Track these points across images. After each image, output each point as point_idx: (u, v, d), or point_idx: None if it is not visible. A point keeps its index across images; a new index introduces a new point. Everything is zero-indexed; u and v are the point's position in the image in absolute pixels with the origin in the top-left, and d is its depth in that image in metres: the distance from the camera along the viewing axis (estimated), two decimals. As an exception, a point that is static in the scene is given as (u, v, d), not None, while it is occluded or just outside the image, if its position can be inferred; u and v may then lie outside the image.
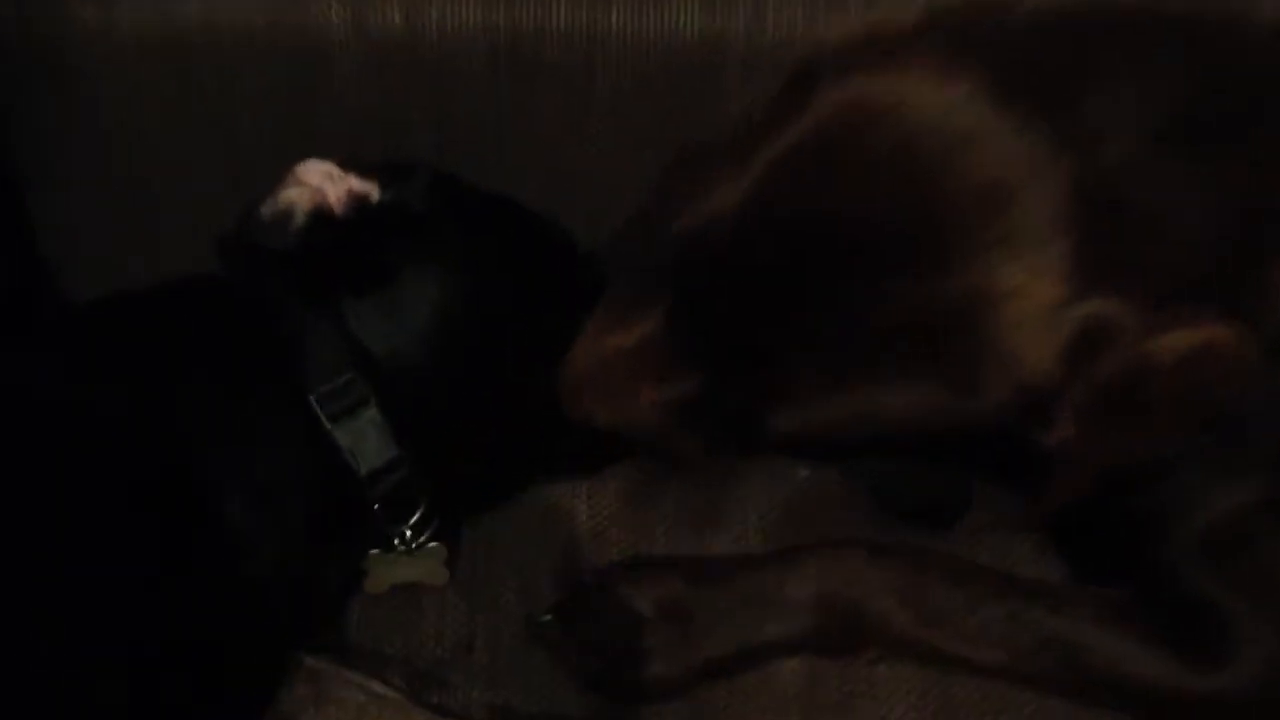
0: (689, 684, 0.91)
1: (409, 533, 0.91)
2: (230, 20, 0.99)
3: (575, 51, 0.99)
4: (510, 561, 0.97)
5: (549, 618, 0.92)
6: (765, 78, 0.94)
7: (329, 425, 0.86)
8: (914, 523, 0.96)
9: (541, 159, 1.03)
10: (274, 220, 0.91)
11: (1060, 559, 0.96)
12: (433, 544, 0.93)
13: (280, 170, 0.94)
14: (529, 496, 1.00)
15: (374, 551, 0.93)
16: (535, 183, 1.02)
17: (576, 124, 1.02)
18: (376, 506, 0.89)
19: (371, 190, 0.93)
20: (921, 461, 0.94)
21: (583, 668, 0.92)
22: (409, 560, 0.93)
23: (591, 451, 0.98)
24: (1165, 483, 0.86)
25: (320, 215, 0.91)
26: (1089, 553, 0.94)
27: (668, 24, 0.98)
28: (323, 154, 0.94)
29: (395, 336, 0.89)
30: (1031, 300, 0.73)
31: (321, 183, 0.91)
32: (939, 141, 0.74)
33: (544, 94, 1.01)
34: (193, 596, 0.80)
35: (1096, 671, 0.88)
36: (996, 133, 0.73)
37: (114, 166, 1.05)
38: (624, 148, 1.02)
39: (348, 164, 0.93)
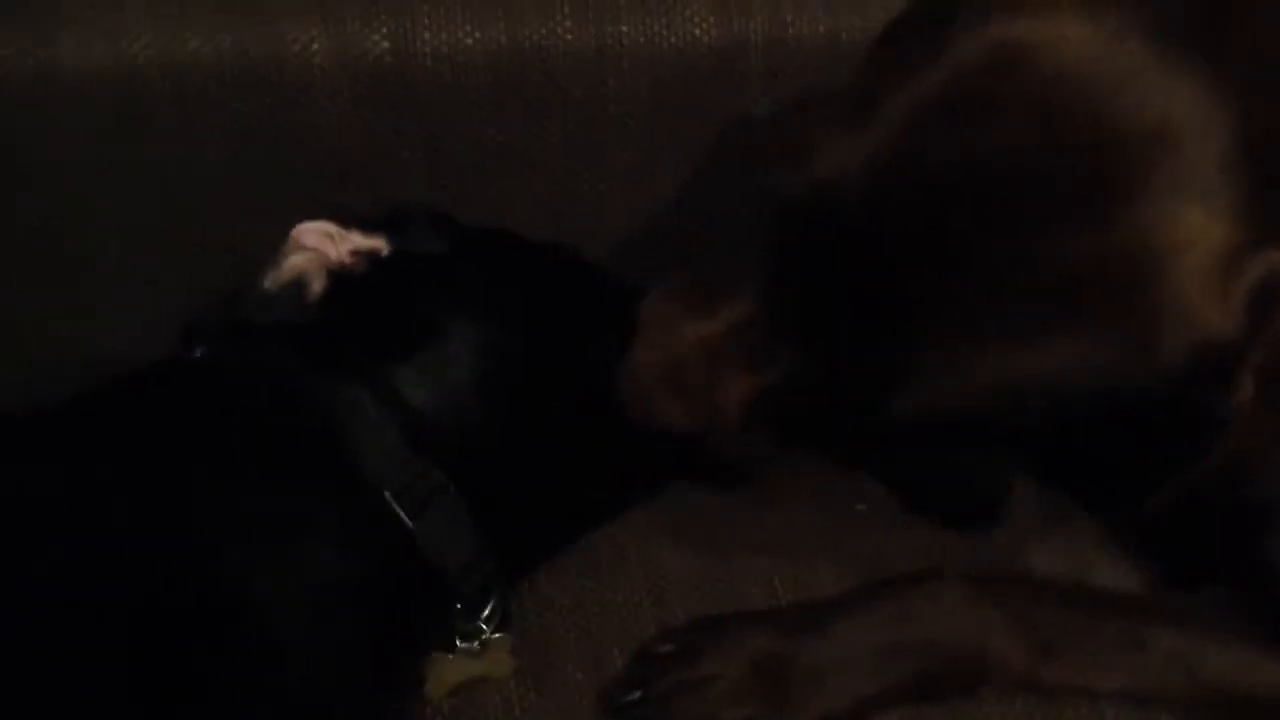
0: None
1: (484, 626, 0.84)
2: (190, 51, 0.90)
3: (584, 68, 0.93)
4: (571, 633, 0.89)
5: (637, 695, 0.83)
6: (790, 81, 0.93)
7: (410, 523, 0.78)
8: (950, 522, 0.93)
9: (552, 191, 0.98)
10: (284, 291, 0.85)
11: (1139, 563, 0.92)
12: (497, 634, 0.85)
13: (248, 226, 0.91)
14: (571, 559, 0.91)
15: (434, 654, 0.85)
16: (546, 217, 0.97)
17: (589, 149, 0.96)
18: (459, 605, 0.82)
19: (379, 244, 0.87)
20: (966, 454, 0.91)
21: (675, 747, 0.83)
22: (474, 656, 0.85)
23: (654, 470, 0.93)
24: (1268, 468, 0.81)
25: (338, 278, 0.85)
26: (1177, 554, 0.90)
27: (682, 31, 0.93)
28: (301, 204, 0.89)
29: (452, 402, 0.83)
30: (1208, 248, 0.71)
31: (320, 244, 0.86)
32: (1098, 80, 0.71)
33: (551, 118, 0.95)
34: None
35: (1218, 686, 0.85)
36: (1158, 70, 0.71)
37: (45, 225, 0.95)
38: (643, 173, 0.98)
39: (344, 219, 0.88)
